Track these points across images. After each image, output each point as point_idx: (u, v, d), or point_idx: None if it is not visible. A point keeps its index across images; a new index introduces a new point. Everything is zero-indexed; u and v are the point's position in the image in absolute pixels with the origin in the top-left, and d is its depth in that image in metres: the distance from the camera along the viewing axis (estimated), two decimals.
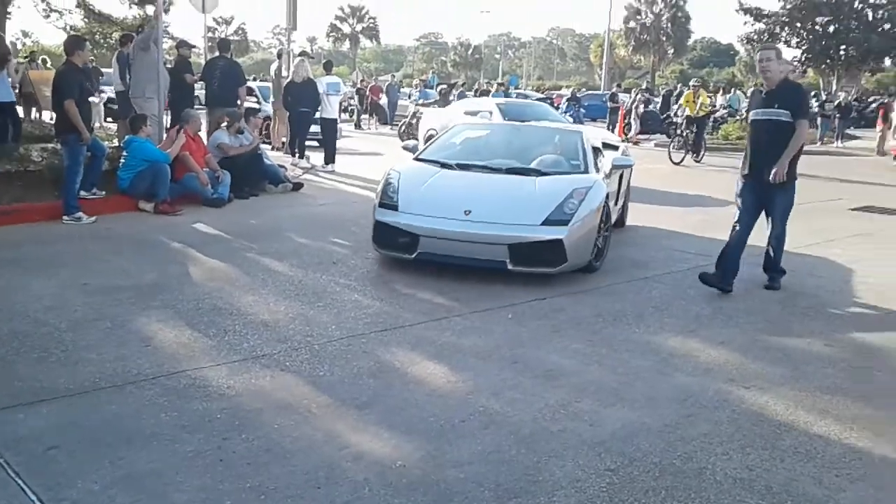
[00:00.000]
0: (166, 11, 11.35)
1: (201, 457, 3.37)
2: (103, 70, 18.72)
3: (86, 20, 17.45)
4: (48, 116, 13.50)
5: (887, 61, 35.49)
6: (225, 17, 77.08)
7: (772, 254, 6.64)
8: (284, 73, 15.33)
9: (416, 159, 7.75)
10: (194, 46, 14.16)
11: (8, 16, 15.41)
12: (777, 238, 6.58)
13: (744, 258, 6.52)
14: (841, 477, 3.46)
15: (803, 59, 34.02)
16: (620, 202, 8.78)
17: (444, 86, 27.32)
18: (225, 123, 10.92)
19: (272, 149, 14.95)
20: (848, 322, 5.92)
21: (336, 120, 14.62)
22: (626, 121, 25.38)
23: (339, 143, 14.86)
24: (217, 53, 13.18)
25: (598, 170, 7.52)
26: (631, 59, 61.33)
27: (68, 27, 17.37)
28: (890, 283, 6.96)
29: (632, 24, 61.36)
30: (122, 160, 9.19)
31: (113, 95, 14.01)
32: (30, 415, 3.69)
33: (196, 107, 11.84)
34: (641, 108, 24.83)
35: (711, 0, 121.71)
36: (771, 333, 5.52)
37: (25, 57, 19.84)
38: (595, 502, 3.17)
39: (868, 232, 9.81)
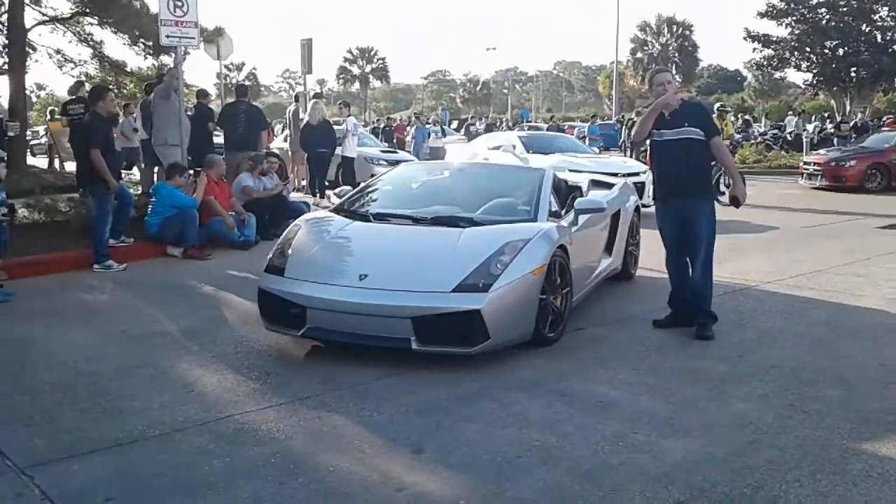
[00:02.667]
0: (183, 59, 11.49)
1: None
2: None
3: (99, 70, 17.65)
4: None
5: None
6: (236, 62, 78.20)
7: (698, 291, 5.90)
8: (302, 116, 15.49)
9: (335, 209, 6.44)
10: (210, 96, 14.33)
11: (27, 69, 15.65)
12: (703, 271, 5.88)
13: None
14: None
15: (815, 82, 34.09)
16: (618, 251, 7.36)
17: (456, 121, 27.59)
18: (249, 166, 10.97)
19: (294, 190, 15.02)
20: None
21: (354, 159, 14.74)
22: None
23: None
24: (235, 98, 13.34)
25: (559, 216, 6.24)
26: (640, 89, 61.61)
27: (83, 76, 17.55)
28: None
29: (639, 54, 61.88)
30: (150, 206, 9.24)
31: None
32: (83, 466, 3.63)
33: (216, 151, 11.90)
34: None
35: (717, 28, 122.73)
36: (821, 355, 5.41)
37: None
38: None
39: None
